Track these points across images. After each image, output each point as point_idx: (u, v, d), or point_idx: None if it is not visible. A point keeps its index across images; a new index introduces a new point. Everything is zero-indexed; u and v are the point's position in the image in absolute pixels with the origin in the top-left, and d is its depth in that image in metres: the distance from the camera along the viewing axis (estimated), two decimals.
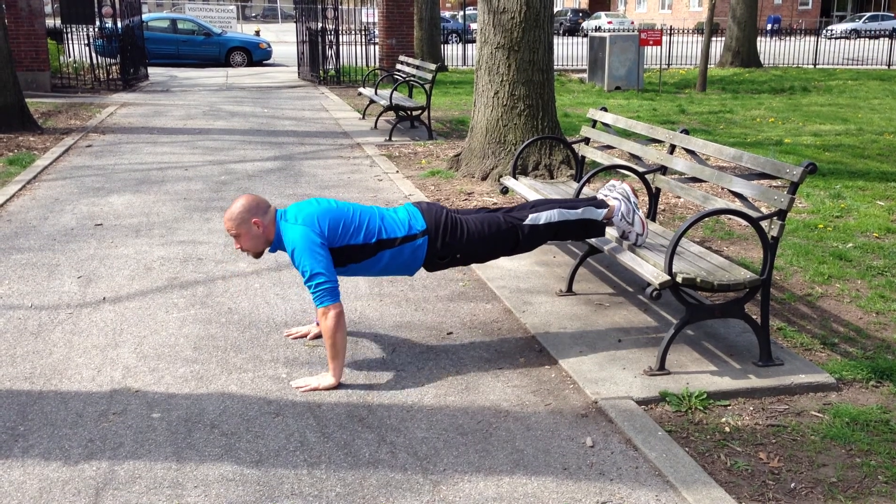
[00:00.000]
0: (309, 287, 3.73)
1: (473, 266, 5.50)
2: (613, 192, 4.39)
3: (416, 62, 12.53)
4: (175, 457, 3.21)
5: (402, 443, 3.33)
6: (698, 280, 3.81)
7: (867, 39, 38.17)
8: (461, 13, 37.15)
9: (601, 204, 4.32)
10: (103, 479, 3.05)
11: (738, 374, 3.94)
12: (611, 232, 4.49)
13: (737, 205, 4.25)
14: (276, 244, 3.92)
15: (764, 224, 3.94)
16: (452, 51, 27.76)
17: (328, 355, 3.78)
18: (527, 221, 4.13)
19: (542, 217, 4.15)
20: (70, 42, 17.91)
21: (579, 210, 4.25)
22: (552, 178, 8.19)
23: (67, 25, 17.52)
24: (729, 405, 3.71)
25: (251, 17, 69.44)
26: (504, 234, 4.11)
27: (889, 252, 5.98)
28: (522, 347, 4.31)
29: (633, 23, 46.80)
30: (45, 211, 7.02)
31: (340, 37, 18.75)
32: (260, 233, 3.87)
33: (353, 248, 3.87)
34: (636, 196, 4.42)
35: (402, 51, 18.70)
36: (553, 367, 4.06)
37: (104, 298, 4.93)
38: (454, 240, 4.02)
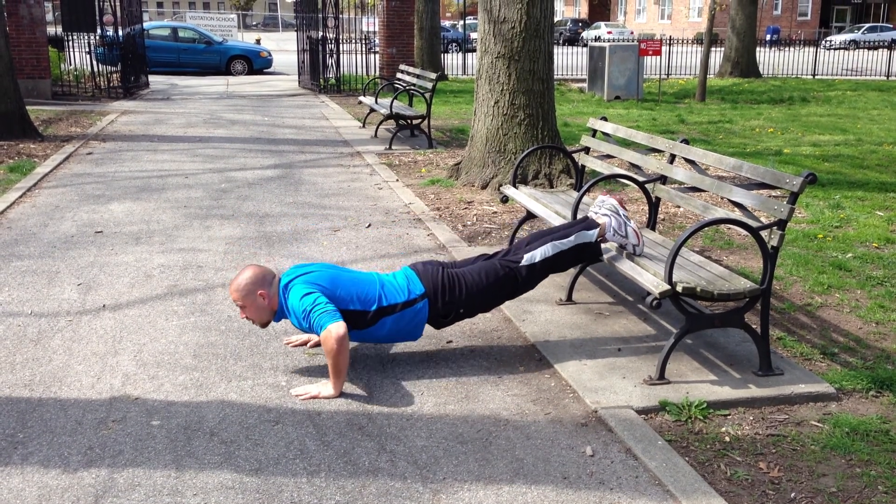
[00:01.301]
0: (312, 322, 3.74)
1: None
2: (602, 209, 4.40)
3: (417, 71, 12.57)
4: (174, 464, 3.20)
5: (402, 451, 3.33)
6: (698, 289, 3.81)
7: (866, 50, 38.30)
8: (461, 22, 37.26)
9: (592, 224, 4.33)
10: (102, 486, 3.05)
11: (738, 383, 3.93)
12: (609, 245, 4.49)
13: (737, 214, 4.25)
14: (280, 313, 3.99)
15: (764, 234, 3.95)
16: (453, 60, 27.83)
17: (330, 373, 3.77)
18: (523, 263, 4.17)
19: (538, 255, 4.19)
20: (71, 50, 17.94)
21: (571, 238, 4.27)
22: (552, 187, 8.20)
23: (69, 33, 17.56)
24: (729, 415, 3.71)
25: (252, 26, 69.62)
26: (502, 280, 4.15)
27: (888, 262, 5.98)
28: (522, 356, 4.31)
29: (632, 33, 46.92)
30: (46, 218, 7.02)
31: (341, 46, 18.79)
32: (265, 304, 3.92)
33: (352, 314, 3.89)
34: (625, 208, 4.44)
35: (402, 60, 18.75)
36: (553, 376, 4.06)
37: (104, 306, 4.93)
38: (454, 297, 4.06)
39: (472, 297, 4.09)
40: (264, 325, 4.01)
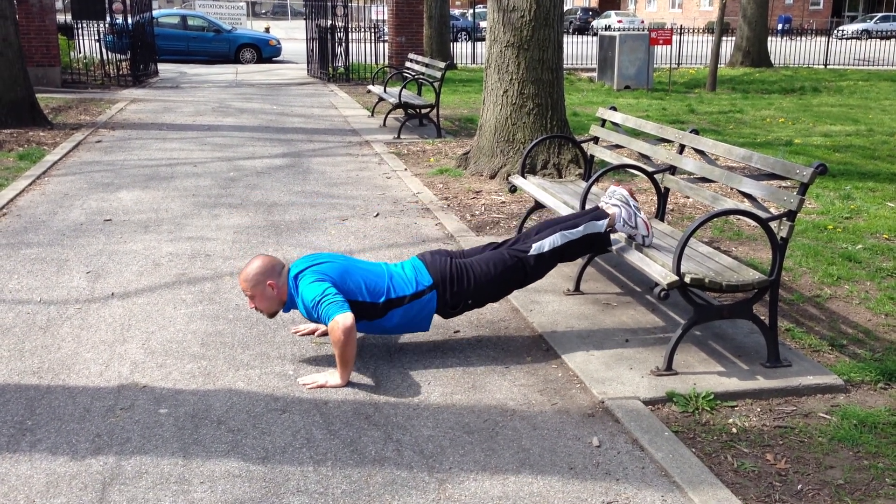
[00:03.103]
0: (319, 312, 3.74)
1: None
2: (612, 199, 4.39)
3: (426, 60, 12.53)
4: (182, 452, 3.21)
5: (409, 441, 3.33)
6: (706, 280, 3.80)
7: (878, 40, 38.00)
8: (471, 11, 37.12)
9: (601, 215, 4.32)
10: (110, 473, 3.06)
11: (746, 374, 3.92)
12: (617, 235, 4.48)
13: (746, 205, 4.23)
14: (290, 304, 3.99)
15: (773, 225, 3.93)
16: (462, 49, 27.74)
17: (337, 363, 3.78)
18: (531, 252, 4.16)
19: (546, 244, 4.17)
20: (81, 38, 17.96)
21: (581, 227, 4.25)
22: (561, 177, 8.18)
23: (78, 21, 17.58)
24: (736, 406, 3.70)
25: (261, 14, 69.51)
26: (510, 269, 4.14)
27: None
28: (529, 346, 4.30)
29: (643, 22, 46.66)
30: (55, 206, 7.04)
31: (350, 34, 18.76)
32: (274, 294, 3.92)
33: (361, 305, 3.89)
34: (635, 198, 4.42)
35: (411, 48, 18.70)
36: (560, 367, 4.06)
37: (112, 294, 4.95)
38: (462, 288, 4.05)
39: (481, 287, 4.09)
40: (272, 315, 4.01)
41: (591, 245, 4.33)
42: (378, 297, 3.92)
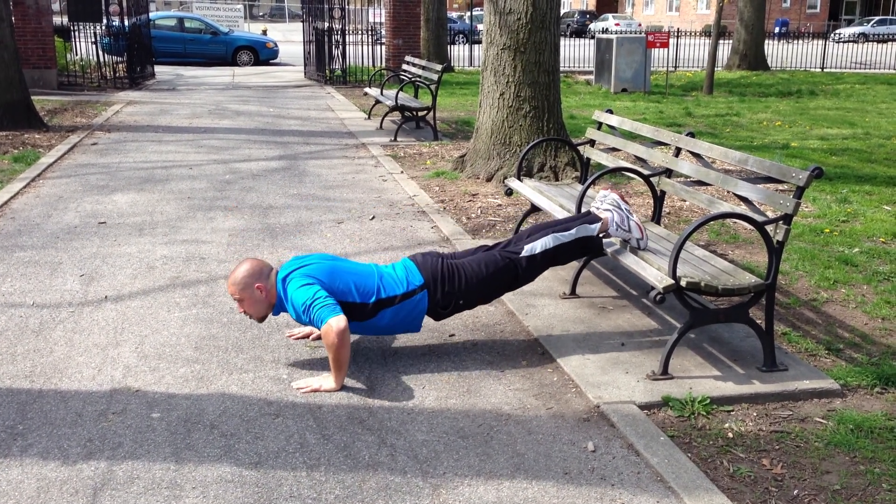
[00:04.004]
0: (311, 315, 3.72)
1: None
2: (604, 204, 4.39)
3: (423, 62, 12.52)
4: (174, 457, 3.19)
5: (403, 445, 3.31)
6: (702, 284, 3.78)
7: (875, 43, 38.07)
8: (468, 14, 37.14)
9: (594, 219, 4.31)
10: (101, 479, 3.04)
11: (742, 379, 3.91)
12: (613, 239, 4.46)
13: (742, 208, 4.22)
14: (279, 307, 3.96)
15: (769, 228, 3.91)
16: (459, 51, 27.75)
17: (331, 366, 3.76)
18: (523, 254, 4.14)
19: (538, 246, 4.16)
20: (77, 40, 17.94)
21: (573, 231, 4.24)
22: (557, 179, 8.16)
23: (75, 23, 17.55)
24: (732, 410, 3.68)
25: (258, 17, 69.51)
26: (502, 271, 4.12)
27: (895, 257, 5.94)
28: (525, 350, 4.28)
29: (640, 25, 46.74)
30: (49, 209, 7.01)
31: (347, 37, 18.74)
32: (262, 297, 3.90)
33: (351, 306, 3.87)
34: (626, 202, 4.41)
35: (408, 51, 18.69)
36: (555, 371, 4.04)
37: (106, 297, 4.92)
38: (453, 288, 4.03)
39: (472, 287, 4.07)
40: (262, 319, 3.99)
41: (583, 249, 4.32)
42: (368, 297, 3.90)
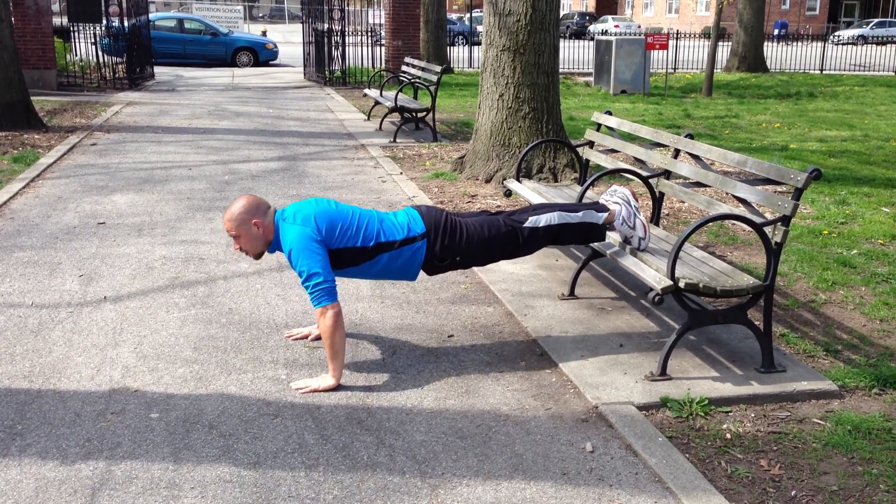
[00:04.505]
0: (306, 287, 3.72)
1: (475, 269, 5.48)
2: (614, 197, 4.37)
3: (422, 64, 12.53)
4: (172, 457, 3.19)
5: (401, 446, 3.32)
6: (701, 285, 3.79)
7: (874, 45, 38.10)
8: (468, 15, 37.16)
9: (602, 208, 4.31)
10: (100, 479, 3.04)
11: (740, 380, 3.91)
12: (613, 236, 4.47)
13: (741, 210, 4.22)
14: (275, 245, 3.92)
15: (767, 230, 3.92)
16: (458, 53, 27.76)
17: (327, 356, 3.77)
18: (527, 224, 4.12)
19: (542, 220, 4.14)
20: (77, 40, 17.94)
21: (580, 213, 4.23)
22: (556, 181, 8.17)
23: (74, 24, 17.55)
24: (730, 411, 3.69)
25: (258, 18, 69.53)
26: (504, 236, 4.09)
27: (894, 259, 5.94)
28: (523, 351, 4.29)
29: (639, 27, 46.77)
30: (48, 209, 7.02)
31: (347, 38, 18.75)
32: (259, 234, 3.86)
33: (351, 251, 3.86)
34: (637, 200, 4.41)
35: (408, 52, 18.70)
36: (554, 371, 4.04)
37: (105, 297, 4.92)
38: (453, 242, 4.00)
39: (472, 245, 4.04)
40: (258, 255, 3.94)
41: (586, 234, 4.29)
42: (368, 240, 3.88)
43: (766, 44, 26.40)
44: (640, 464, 3.22)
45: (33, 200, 7.33)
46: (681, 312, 4.63)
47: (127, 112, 13.48)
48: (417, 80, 12.08)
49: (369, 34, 20.93)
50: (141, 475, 3.07)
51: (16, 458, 3.16)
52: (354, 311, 4.78)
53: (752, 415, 3.67)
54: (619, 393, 3.76)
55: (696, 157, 4.83)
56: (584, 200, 5.02)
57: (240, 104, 15.02)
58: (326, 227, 3.81)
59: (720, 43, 26.24)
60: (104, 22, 17.29)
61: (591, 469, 3.18)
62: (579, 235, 4.30)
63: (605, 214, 4.28)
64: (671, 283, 3.79)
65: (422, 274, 5.39)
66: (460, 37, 35.06)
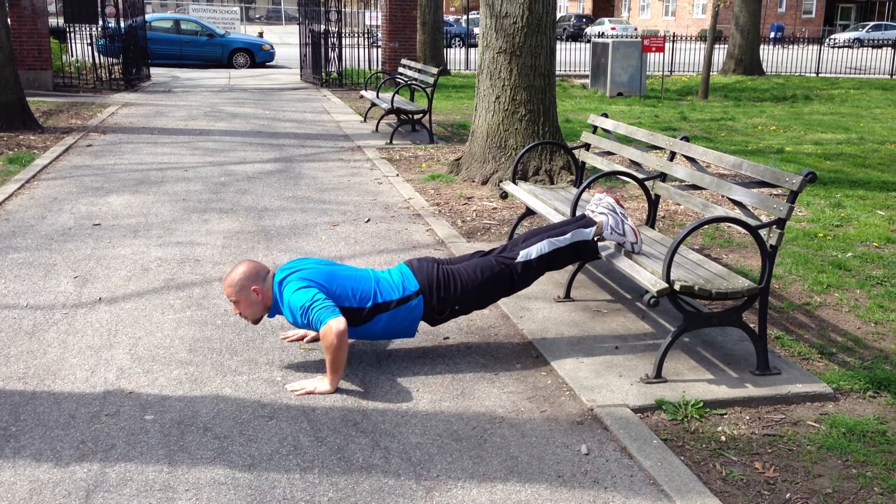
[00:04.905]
0: (311, 318, 3.72)
1: None
2: (599, 208, 4.39)
3: (419, 66, 12.53)
4: (167, 459, 3.19)
5: (396, 448, 3.31)
6: (696, 288, 3.79)
7: (870, 49, 38.19)
8: (464, 17, 37.17)
9: (589, 223, 4.32)
10: (94, 481, 3.03)
11: (735, 382, 3.92)
12: (607, 242, 4.47)
13: (736, 213, 4.23)
14: (274, 309, 3.97)
15: (763, 232, 3.92)
16: (455, 55, 27.77)
17: (328, 368, 3.76)
18: (518, 259, 4.16)
19: (534, 251, 4.18)
20: (73, 41, 17.92)
21: (568, 235, 4.26)
22: (552, 183, 8.17)
23: (70, 24, 17.53)
24: (725, 414, 3.69)
25: (255, 19, 69.46)
26: (498, 276, 4.13)
27: (889, 262, 5.96)
28: (519, 353, 4.29)
29: (636, 29, 46.84)
30: (44, 210, 7.00)
31: (343, 39, 18.75)
32: (259, 300, 3.91)
33: (347, 311, 3.87)
34: (621, 206, 4.42)
35: (404, 54, 18.70)
36: (549, 374, 4.04)
37: (100, 299, 4.92)
38: (449, 294, 4.04)
39: (468, 293, 4.08)
40: (257, 321, 3.99)
41: (578, 253, 4.33)
42: (365, 301, 3.90)
43: (762, 47, 26.44)
44: (634, 466, 3.22)
45: (28, 201, 7.32)
46: (676, 315, 4.64)
47: (123, 113, 13.46)
48: (414, 82, 12.08)
49: (366, 36, 20.94)
50: (135, 477, 3.06)
51: (10, 460, 3.16)
52: None
53: (747, 417, 3.67)
54: (614, 395, 3.77)
55: (691, 160, 4.84)
56: (580, 203, 5.03)
57: (236, 105, 15.01)
58: (325, 285, 3.86)
59: (716, 46, 26.29)
60: (100, 23, 17.28)
61: (586, 471, 3.18)
62: (572, 256, 4.33)
63: (593, 228, 4.30)
64: (666, 285, 3.79)
65: None
66: (457, 39, 35.08)
